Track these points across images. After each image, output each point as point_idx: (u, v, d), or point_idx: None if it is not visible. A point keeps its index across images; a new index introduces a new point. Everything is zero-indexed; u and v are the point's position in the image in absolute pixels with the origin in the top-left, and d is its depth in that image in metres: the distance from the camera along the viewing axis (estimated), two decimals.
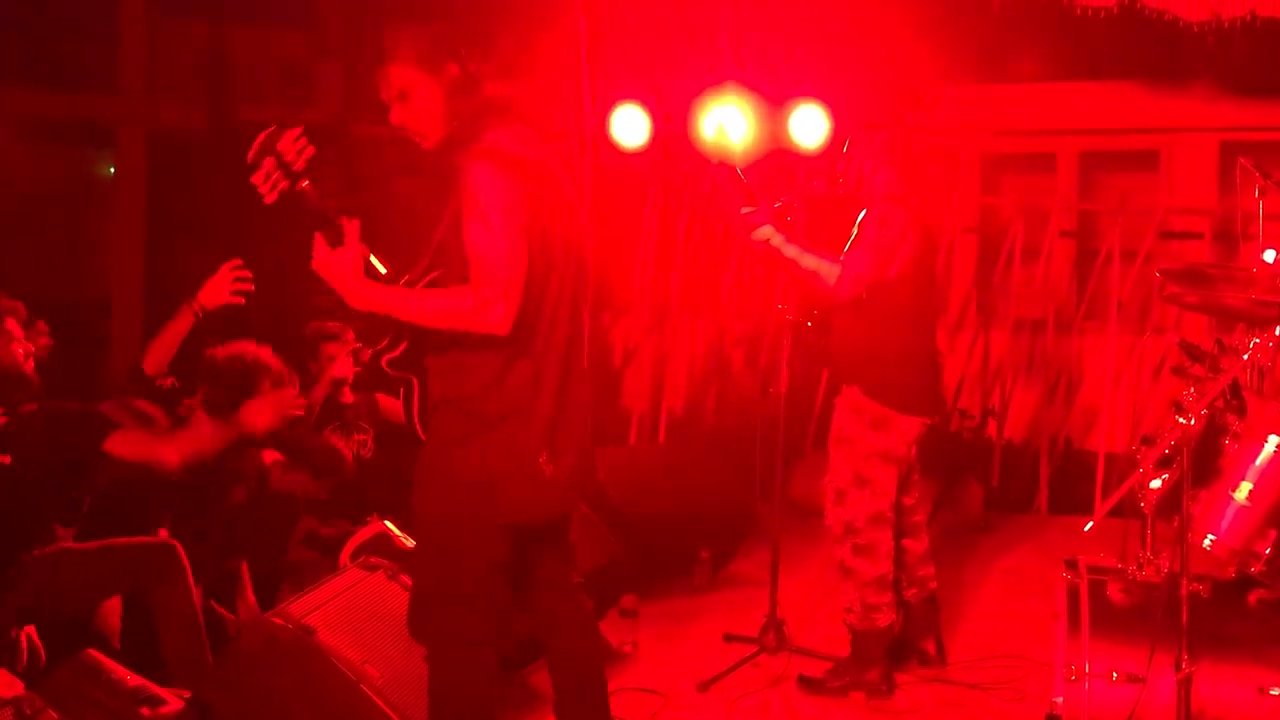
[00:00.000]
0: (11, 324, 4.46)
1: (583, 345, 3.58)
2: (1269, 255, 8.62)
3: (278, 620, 3.73)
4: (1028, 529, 7.79)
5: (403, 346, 3.47)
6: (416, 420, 3.56)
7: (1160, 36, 8.30)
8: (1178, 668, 3.29)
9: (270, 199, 3.36)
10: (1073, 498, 8.36)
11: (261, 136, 3.36)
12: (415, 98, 3.35)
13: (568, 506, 3.69)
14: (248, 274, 4.52)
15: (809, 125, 7.29)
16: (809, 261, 4.76)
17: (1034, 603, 5.95)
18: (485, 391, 3.33)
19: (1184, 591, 3.28)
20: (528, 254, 3.25)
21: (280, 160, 3.33)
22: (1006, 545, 7.28)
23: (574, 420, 3.51)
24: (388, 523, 4.87)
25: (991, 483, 8.25)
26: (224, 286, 4.50)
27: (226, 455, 4.52)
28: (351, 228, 3.32)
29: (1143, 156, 9.31)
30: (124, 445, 4.15)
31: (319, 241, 3.32)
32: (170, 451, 4.18)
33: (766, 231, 4.79)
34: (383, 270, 3.44)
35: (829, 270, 4.73)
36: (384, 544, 4.73)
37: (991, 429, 8.61)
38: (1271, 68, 8.29)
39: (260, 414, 4.43)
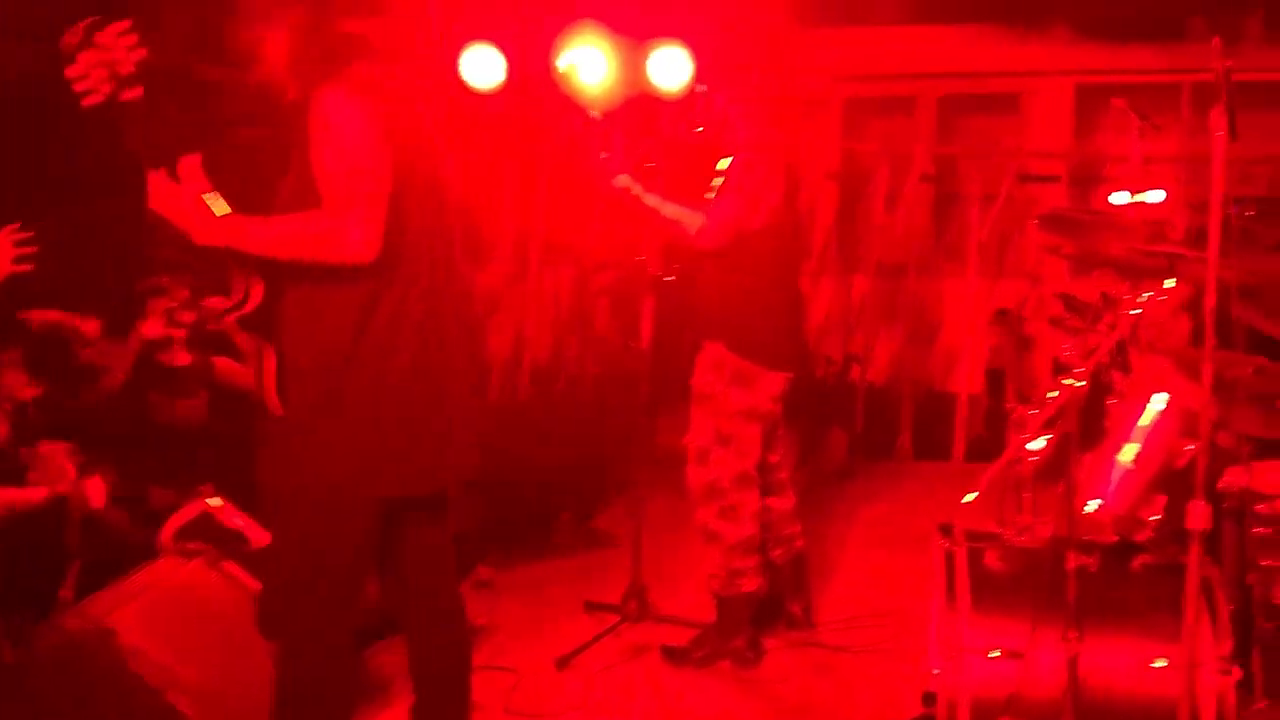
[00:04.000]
0: None
1: (458, 292, 3.14)
2: (1118, 198, 8.42)
3: (74, 621, 3.18)
4: (891, 475, 7.53)
5: (255, 301, 2.98)
6: (271, 390, 3.04)
7: None
8: (1064, 637, 2.94)
9: (90, 102, 2.77)
10: (934, 442, 8.15)
11: (83, 25, 2.77)
12: (265, 55, 2.92)
13: (455, 474, 3.16)
14: (27, 235, 3.87)
15: (670, 68, 6.78)
16: (670, 210, 4.34)
17: (900, 555, 5.64)
18: (349, 338, 2.87)
19: (1071, 565, 2.92)
20: (389, 180, 2.81)
21: (103, 58, 2.75)
22: (871, 494, 6.99)
23: (456, 370, 3.06)
24: (213, 500, 4.29)
25: (855, 429, 7.95)
26: (3, 256, 3.86)
27: None
28: (191, 162, 2.89)
29: (1001, 100, 9.08)
30: None
31: (155, 179, 2.85)
32: None
33: (625, 179, 4.36)
34: (226, 210, 2.95)
35: (691, 219, 4.32)
36: (208, 524, 4.17)
37: (855, 374, 8.32)
38: (1126, 12, 8.08)
39: None
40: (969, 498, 2.96)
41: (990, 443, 7.95)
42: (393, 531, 3.10)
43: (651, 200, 4.34)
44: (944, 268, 8.69)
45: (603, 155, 4.35)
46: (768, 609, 4.63)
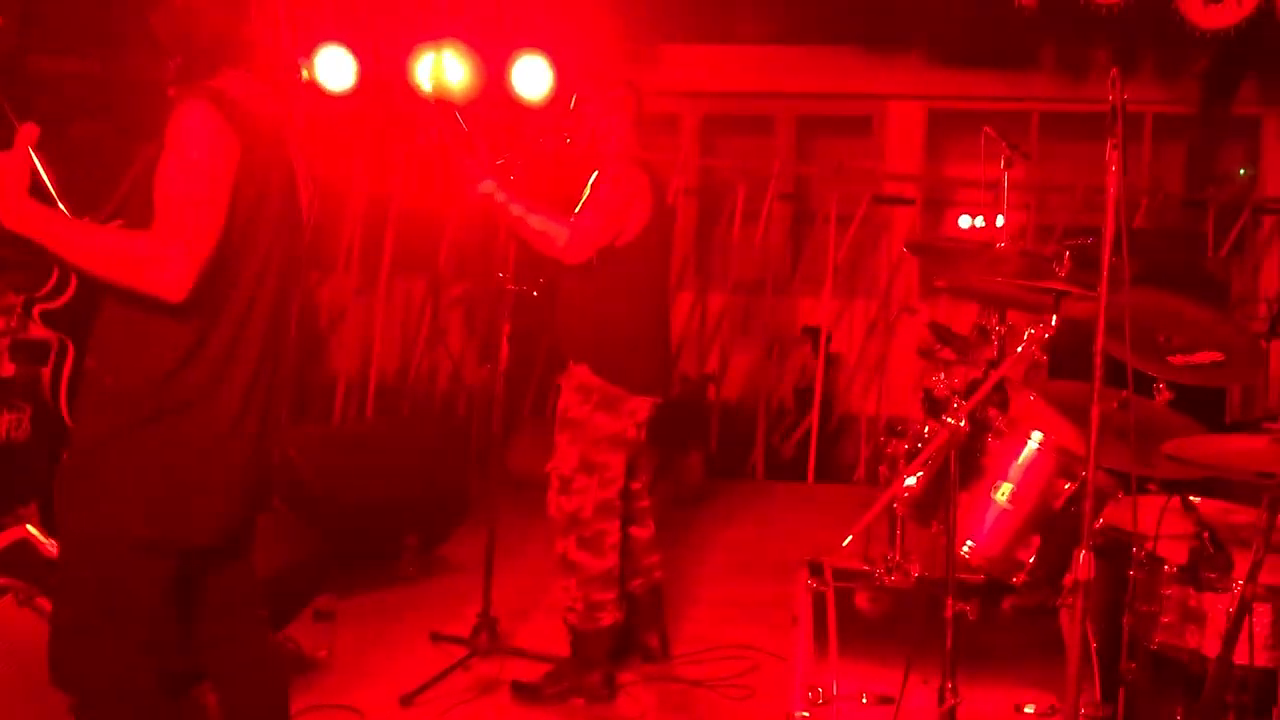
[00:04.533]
0: None
1: (289, 324, 2.89)
2: (964, 221, 8.47)
3: None
4: (747, 496, 7.42)
5: (65, 298, 2.75)
6: (63, 397, 2.74)
7: (876, 3, 8.05)
8: (941, 700, 2.80)
9: None
10: (787, 461, 8.08)
11: None
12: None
13: (251, 516, 2.93)
14: None
15: (532, 77, 6.57)
16: (535, 221, 4.12)
17: (758, 583, 5.51)
18: (166, 373, 2.61)
19: (949, 613, 2.78)
20: (228, 215, 2.58)
21: None
22: (727, 515, 6.86)
23: (267, 409, 2.80)
24: (29, 526, 3.89)
25: (710, 449, 7.82)
26: None
27: None
28: (26, 130, 2.58)
29: (857, 122, 9.09)
30: None
31: None
32: None
33: (489, 186, 4.12)
34: (54, 194, 2.67)
35: (556, 231, 4.09)
36: (27, 552, 3.77)
37: (710, 393, 8.20)
38: (979, 40, 8.16)
39: None
40: (846, 541, 2.79)
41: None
42: (192, 574, 2.84)
43: (516, 209, 4.11)
44: (800, 287, 8.65)
45: (466, 161, 4.11)
46: (623, 642, 4.43)
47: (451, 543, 5.61)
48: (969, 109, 8.37)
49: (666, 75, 8.48)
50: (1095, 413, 2.52)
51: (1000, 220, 4.22)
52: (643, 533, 4.48)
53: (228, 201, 2.58)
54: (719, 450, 7.99)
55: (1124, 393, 3.29)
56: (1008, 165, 4.12)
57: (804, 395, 8.17)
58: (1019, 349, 2.77)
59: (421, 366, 8.04)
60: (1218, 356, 3.40)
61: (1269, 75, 8.14)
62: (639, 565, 4.47)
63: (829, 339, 8.19)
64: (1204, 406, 3.74)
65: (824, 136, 9.32)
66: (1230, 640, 2.53)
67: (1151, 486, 3.33)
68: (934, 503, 3.13)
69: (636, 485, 4.44)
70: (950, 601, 2.78)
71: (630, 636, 4.49)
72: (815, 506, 7.21)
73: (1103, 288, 2.53)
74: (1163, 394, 3.40)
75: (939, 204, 8.97)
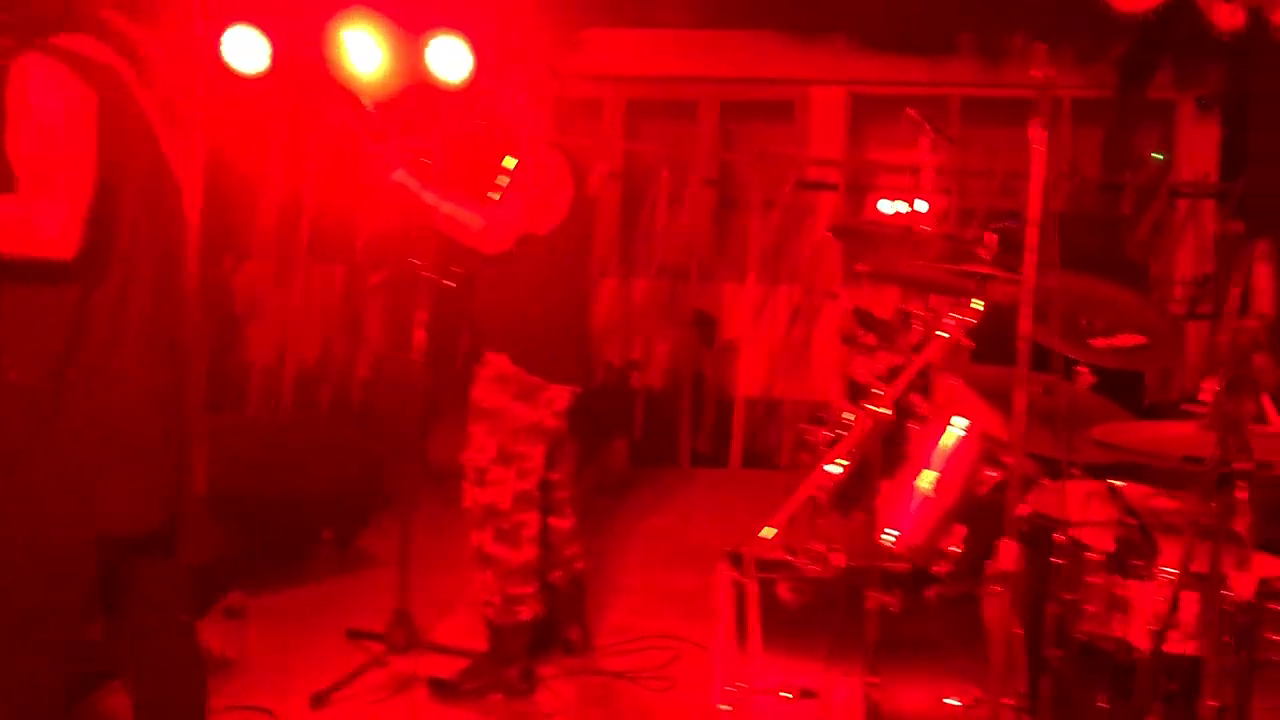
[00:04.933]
0: None
1: (183, 295, 2.74)
2: (885, 206, 8.40)
3: None
4: (672, 483, 7.32)
5: None
6: None
7: None
8: (866, 694, 2.71)
9: None
10: (714, 447, 8.00)
11: None
12: None
13: (173, 508, 2.75)
14: None
15: (448, 58, 6.38)
16: (448, 209, 3.95)
17: (682, 571, 5.40)
18: (61, 349, 2.47)
19: (871, 604, 2.69)
20: (95, 166, 2.42)
21: None
22: (652, 503, 6.75)
23: (175, 379, 2.67)
24: None
25: (635, 436, 7.71)
26: None
27: None
28: None
29: (780, 107, 9.01)
30: None
31: None
32: None
33: (402, 174, 3.95)
34: None
35: (472, 219, 3.94)
36: None
37: (635, 380, 8.09)
38: (901, 25, 8.11)
39: None
40: (766, 533, 2.69)
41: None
42: (116, 566, 2.69)
43: (429, 198, 3.95)
44: (724, 272, 8.56)
45: (377, 147, 3.94)
46: (543, 634, 4.30)
47: (371, 536, 5.44)
48: (891, 94, 8.32)
49: (590, 60, 8.33)
50: (1020, 398, 2.43)
51: (924, 205, 4.16)
52: (563, 523, 4.36)
53: (94, 150, 2.42)
54: (645, 438, 7.88)
55: (1048, 377, 3.24)
56: (935, 148, 4.03)
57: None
58: (941, 334, 2.68)
59: (340, 356, 7.83)
60: (1139, 339, 3.35)
61: (1184, 60, 8.17)
62: (559, 557, 4.35)
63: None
64: (1123, 390, 3.69)
65: (748, 121, 9.23)
66: (1162, 631, 2.46)
67: (1075, 472, 3.28)
68: (856, 492, 3.03)
69: (556, 476, 4.31)
70: (872, 593, 2.69)
71: (551, 629, 4.37)
72: (741, 493, 7.12)
73: (1028, 271, 2.45)
74: (1084, 377, 3.35)
75: (862, 189, 8.92)
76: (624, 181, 8.96)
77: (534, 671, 4.17)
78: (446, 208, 3.93)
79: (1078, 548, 2.95)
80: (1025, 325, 2.40)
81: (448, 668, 4.16)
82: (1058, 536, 2.98)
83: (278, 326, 7.63)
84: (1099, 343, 3.38)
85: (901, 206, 8.56)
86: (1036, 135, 2.42)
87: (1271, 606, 2.74)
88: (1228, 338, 2.35)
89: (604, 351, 8.12)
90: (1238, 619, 2.28)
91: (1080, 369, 3.33)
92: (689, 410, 8.02)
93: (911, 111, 4.02)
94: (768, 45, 8.63)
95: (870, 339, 3.47)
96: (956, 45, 8.46)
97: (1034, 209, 2.42)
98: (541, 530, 4.15)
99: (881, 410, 2.60)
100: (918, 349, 3.11)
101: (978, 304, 2.71)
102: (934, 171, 7.56)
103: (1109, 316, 3.29)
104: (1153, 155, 8.73)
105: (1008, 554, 2.39)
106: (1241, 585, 2.29)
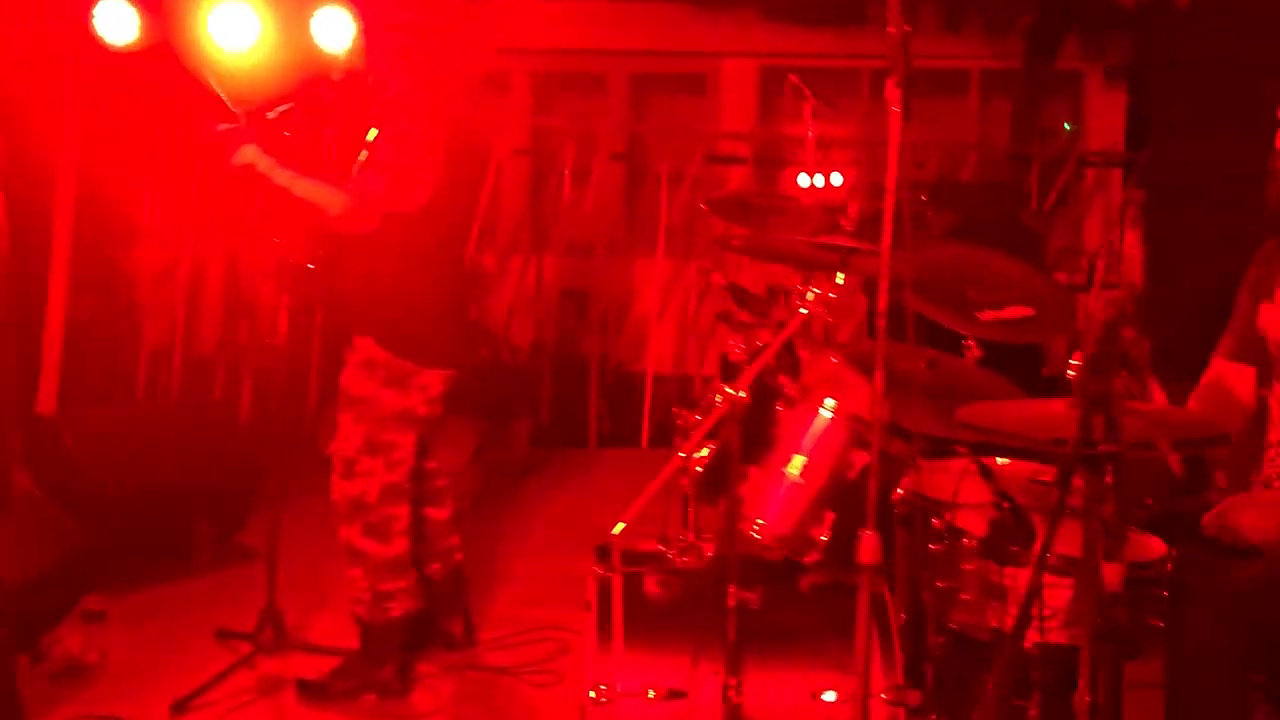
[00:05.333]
0: None
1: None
2: (803, 180, 8.22)
3: None
4: (578, 465, 7.11)
5: None
6: None
7: None
8: (725, 696, 2.53)
9: None
10: (623, 426, 7.80)
11: None
12: None
13: None
14: None
15: (333, 29, 6.08)
16: (304, 189, 3.69)
17: (577, 555, 5.14)
18: None
19: (731, 602, 2.51)
20: None
21: None
22: (555, 485, 6.56)
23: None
24: None
25: (541, 418, 7.49)
26: None
27: None
28: None
29: (691, 80, 8.82)
30: None
31: None
32: None
33: (250, 153, 3.69)
34: None
35: (331, 199, 3.68)
36: None
37: (541, 359, 7.87)
38: None
39: None
40: (618, 528, 2.50)
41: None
42: None
43: (282, 177, 3.68)
44: (634, 248, 8.36)
45: (221, 126, 3.67)
46: (423, 629, 4.09)
47: (251, 531, 5.16)
48: (802, 66, 8.11)
49: (495, 30, 8.07)
50: (879, 378, 2.26)
51: (839, 179, 3.99)
52: (440, 514, 4.14)
53: None
54: (553, 418, 7.67)
55: (932, 352, 3.08)
56: (816, 115, 3.86)
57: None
58: (801, 310, 2.49)
59: (234, 339, 7.51)
60: (1027, 312, 3.21)
61: (1091, 31, 8.08)
62: (437, 548, 4.14)
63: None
64: (1017, 363, 3.55)
65: (659, 95, 9.03)
66: (1022, 621, 2.29)
67: (961, 450, 3.12)
68: (721, 479, 2.85)
69: (432, 464, 4.09)
70: (733, 590, 2.51)
71: (431, 624, 4.16)
72: (650, 473, 6.91)
73: (885, 244, 2.27)
74: (972, 351, 3.20)
75: (773, 163, 8.75)
76: (532, 157, 8.72)
77: (411, 669, 3.97)
78: (302, 187, 3.68)
79: (954, 533, 2.80)
80: (883, 300, 2.22)
81: (319, 668, 3.94)
82: (935, 520, 2.83)
83: (167, 314, 7.29)
84: (986, 315, 3.23)
85: (819, 180, 8.41)
86: (893, 96, 2.24)
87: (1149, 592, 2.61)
88: (1094, 309, 2.20)
89: (511, 329, 7.90)
90: (1105, 611, 2.12)
91: (968, 343, 3.18)
92: (596, 389, 7.81)
93: (794, 79, 3.85)
94: (678, 17, 8.43)
95: (745, 316, 3.29)
96: (867, 17, 8.30)
97: (891, 177, 2.24)
98: (414, 522, 3.94)
99: (737, 393, 2.41)
100: (782, 325, 2.93)
101: (839, 278, 2.52)
102: (839, 144, 7.45)
103: (997, 288, 3.14)
104: (1064, 126, 8.64)
105: (868, 546, 2.21)
106: (1110, 575, 2.13)
